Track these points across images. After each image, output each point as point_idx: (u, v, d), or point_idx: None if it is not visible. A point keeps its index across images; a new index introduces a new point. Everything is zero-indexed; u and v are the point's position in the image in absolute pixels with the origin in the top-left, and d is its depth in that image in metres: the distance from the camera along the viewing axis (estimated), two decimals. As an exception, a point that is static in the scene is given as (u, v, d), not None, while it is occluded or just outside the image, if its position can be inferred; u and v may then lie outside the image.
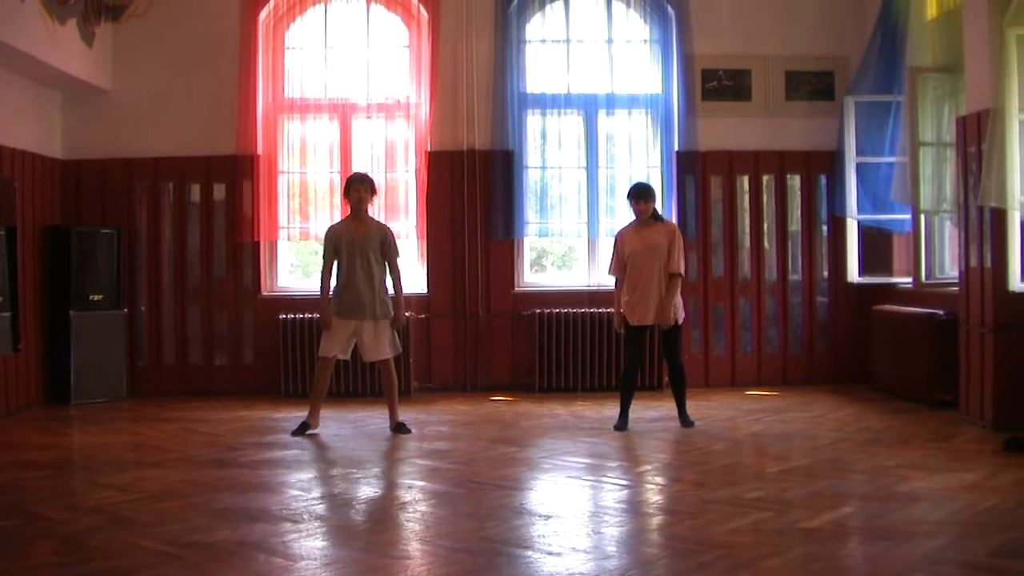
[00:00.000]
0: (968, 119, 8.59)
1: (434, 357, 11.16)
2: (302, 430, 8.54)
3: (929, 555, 4.87)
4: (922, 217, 9.68)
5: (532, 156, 11.33)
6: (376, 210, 10.84)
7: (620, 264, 8.86)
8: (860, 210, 10.87)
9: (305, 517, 5.82)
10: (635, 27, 11.42)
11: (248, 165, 10.95)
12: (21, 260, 9.72)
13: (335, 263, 8.63)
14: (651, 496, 6.53)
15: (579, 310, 10.95)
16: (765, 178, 11.39)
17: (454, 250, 11.14)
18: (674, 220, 10.90)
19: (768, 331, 11.39)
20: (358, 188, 8.68)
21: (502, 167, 11.10)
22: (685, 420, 8.75)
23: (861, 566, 4.90)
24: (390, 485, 6.99)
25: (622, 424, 8.68)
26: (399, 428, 8.64)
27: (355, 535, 5.49)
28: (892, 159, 10.50)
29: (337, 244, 8.61)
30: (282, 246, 11.34)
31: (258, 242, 11.06)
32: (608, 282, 10.98)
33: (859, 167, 10.81)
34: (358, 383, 10.60)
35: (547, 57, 11.35)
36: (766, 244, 11.41)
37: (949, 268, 9.83)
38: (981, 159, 8.18)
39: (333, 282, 8.65)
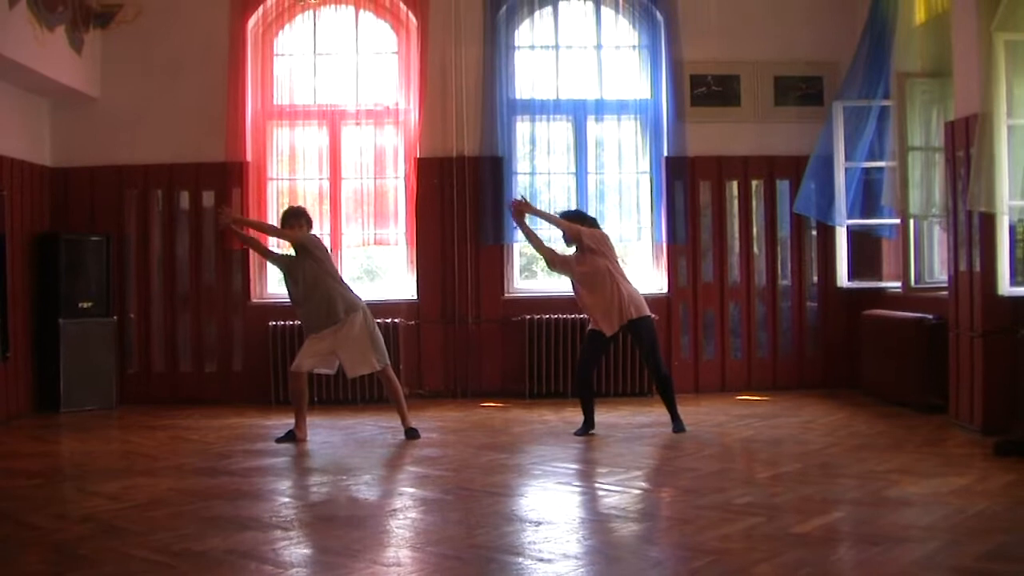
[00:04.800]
0: (956, 124, 8.62)
1: (424, 364, 11.15)
2: (288, 438, 8.51)
3: (920, 560, 4.87)
4: (911, 221, 9.71)
5: (521, 162, 11.34)
6: (365, 217, 10.94)
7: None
8: (839, 216, 10.87)
9: (295, 525, 5.82)
10: (624, 33, 11.45)
11: (237, 172, 10.94)
12: (10, 268, 9.73)
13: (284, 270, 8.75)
14: (642, 502, 6.52)
15: (569, 316, 10.94)
16: (754, 183, 11.41)
17: (444, 256, 11.13)
18: (663, 226, 11.09)
19: (758, 336, 11.40)
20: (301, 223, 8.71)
21: (491, 173, 11.10)
22: (678, 426, 8.74)
23: (852, 571, 4.90)
24: (380, 492, 6.98)
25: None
26: (409, 434, 8.64)
27: (345, 543, 5.47)
28: (881, 164, 10.53)
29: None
30: (271, 253, 11.31)
31: (247, 249, 11.04)
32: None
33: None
34: (347, 391, 10.59)
35: (536, 63, 11.36)
36: (755, 249, 11.43)
37: (938, 272, 9.86)
38: (970, 163, 8.20)
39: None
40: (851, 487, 6.63)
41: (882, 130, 10.62)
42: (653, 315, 8.80)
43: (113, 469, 7.62)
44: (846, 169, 10.67)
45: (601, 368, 10.81)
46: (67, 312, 10.40)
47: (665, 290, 11.24)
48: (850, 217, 10.83)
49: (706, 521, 5.70)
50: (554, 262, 8.95)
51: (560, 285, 11.56)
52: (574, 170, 11.29)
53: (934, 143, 9.56)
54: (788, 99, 11.40)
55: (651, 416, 9.47)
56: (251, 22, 11.05)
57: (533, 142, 11.35)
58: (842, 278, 11.16)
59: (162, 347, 11.13)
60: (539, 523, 5.79)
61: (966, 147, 8.35)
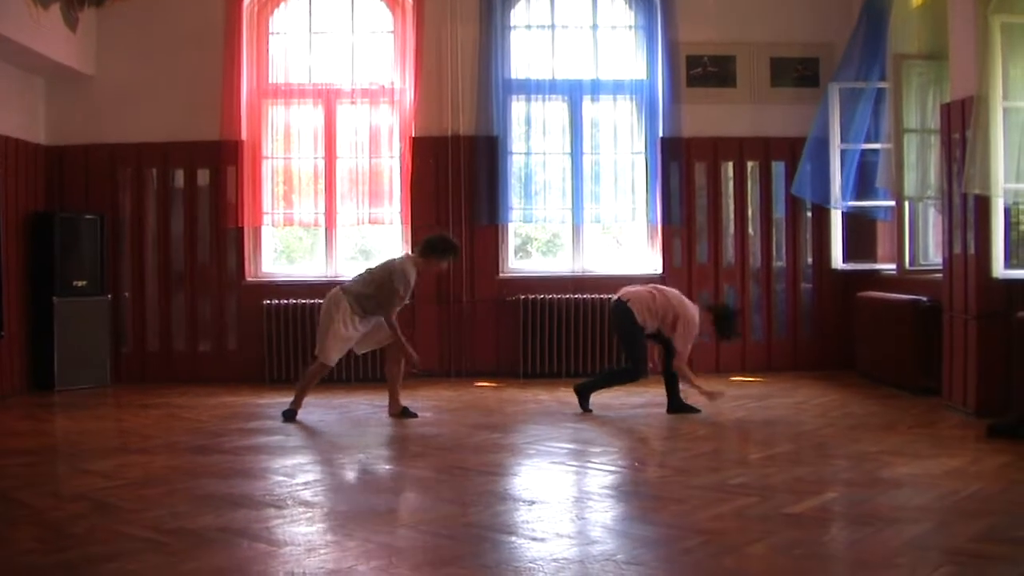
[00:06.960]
0: (952, 106, 8.60)
1: (418, 343, 11.04)
2: (291, 417, 8.55)
3: (912, 540, 4.88)
4: (906, 204, 9.70)
5: (517, 142, 11.33)
6: (359, 196, 10.93)
7: None
8: (835, 199, 10.86)
9: (289, 503, 5.81)
10: (620, 13, 11.41)
11: (232, 151, 10.91)
12: (4, 246, 9.71)
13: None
14: (635, 482, 6.53)
15: (563, 296, 10.97)
16: (750, 164, 11.40)
17: (439, 236, 11.11)
18: (658, 207, 11.13)
19: (752, 318, 11.40)
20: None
21: (486, 153, 11.08)
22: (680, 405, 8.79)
23: (845, 551, 4.91)
24: (374, 471, 6.99)
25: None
26: (404, 413, 8.69)
27: (339, 521, 5.48)
28: (877, 146, 10.53)
29: None
30: (266, 232, 11.32)
31: (242, 228, 11.04)
32: (592, 268, 11.08)
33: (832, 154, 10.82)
34: (341, 371, 10.58)
35: (532, 43, 11.33)
36: (750, 230, 11.43)
37: (933, 255, 9.85)
38: (965, 146, 8.20)
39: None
40: (844, 468, 6.66)
41: (878, 112, 10.61)
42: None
43: (107, 448, 7.63)
44: (842, 151, 10.66)
45: (592, 349, 10.87)
46: (61, 291, 10.38)
47: (659, 271, 11.22)
48: (846, 199, 10.83)
49: (699, 501, 5.71)
50: None
51: (553, 265, 11.61)
52: (569, 150, 11.27)
53: (930, 125, 9.55)
54: (784, 80, 11.37)
55: (645, 397, 9.47)
56: (246, 0, 11.00)
57: (528, 122, 11.32)
58: (837, 260, 11.19)
59: (156, 326, 11.13)
60: (532, 502, 5.79)
61: (962, 129, 8.34)
